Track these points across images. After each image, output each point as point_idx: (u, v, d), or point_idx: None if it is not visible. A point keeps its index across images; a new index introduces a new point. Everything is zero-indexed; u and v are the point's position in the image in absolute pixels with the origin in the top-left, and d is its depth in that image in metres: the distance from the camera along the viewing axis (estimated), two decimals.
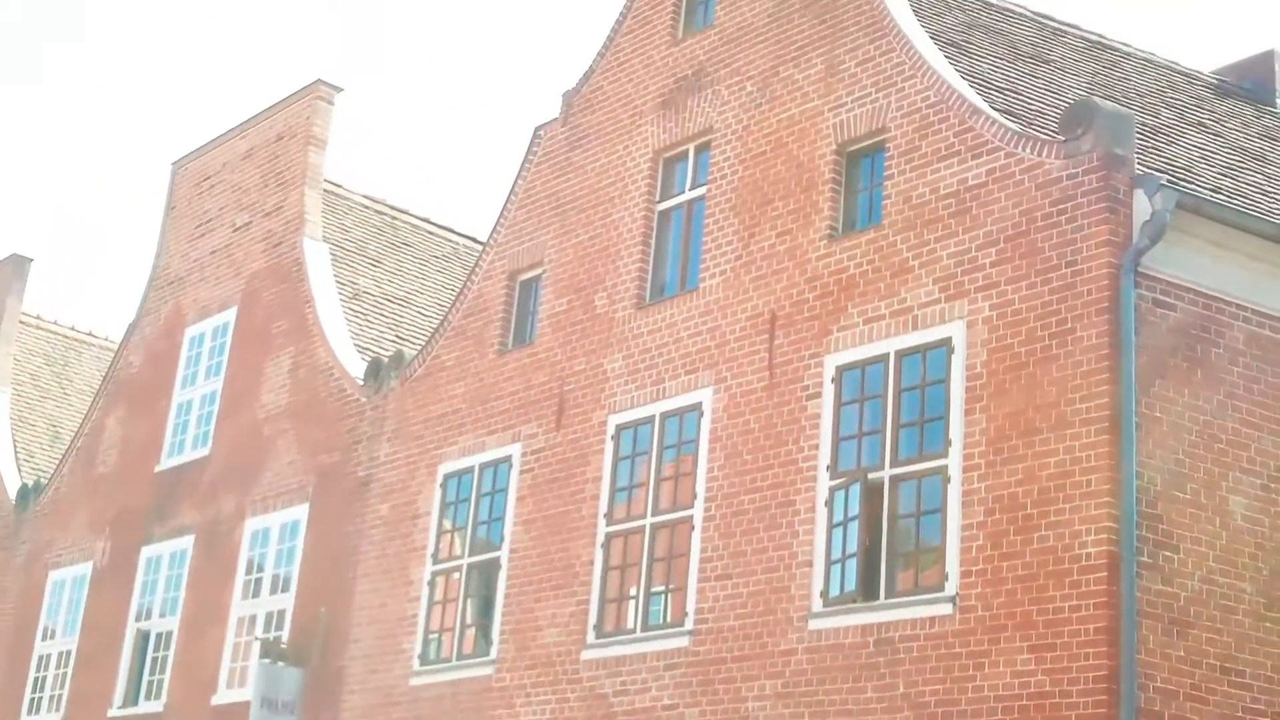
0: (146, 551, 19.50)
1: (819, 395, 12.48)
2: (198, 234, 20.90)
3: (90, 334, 27.00)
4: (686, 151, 14.63)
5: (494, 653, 14.62)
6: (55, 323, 26.54)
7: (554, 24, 45.65)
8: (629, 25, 15.62)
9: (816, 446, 12.35)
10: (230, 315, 19.70)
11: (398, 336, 18.92)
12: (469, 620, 15.22)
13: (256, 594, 17.72)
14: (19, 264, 24.53)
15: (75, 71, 47.98)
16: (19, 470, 23.01)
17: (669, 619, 13.24)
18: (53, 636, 20.77)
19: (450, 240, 21.63)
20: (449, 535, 15.70)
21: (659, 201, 14.75)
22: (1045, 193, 11.35)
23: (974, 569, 11.03)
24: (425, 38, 48.02)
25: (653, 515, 13.63)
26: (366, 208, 20.81)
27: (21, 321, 24.92)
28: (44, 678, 20.66)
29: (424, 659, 15.38)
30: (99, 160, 48.18)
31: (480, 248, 17.52)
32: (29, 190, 44.27)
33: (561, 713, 13.72)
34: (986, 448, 11.19)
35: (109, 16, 48.12)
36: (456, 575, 15.41)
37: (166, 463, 19.83)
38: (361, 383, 17.27)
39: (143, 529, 19.67)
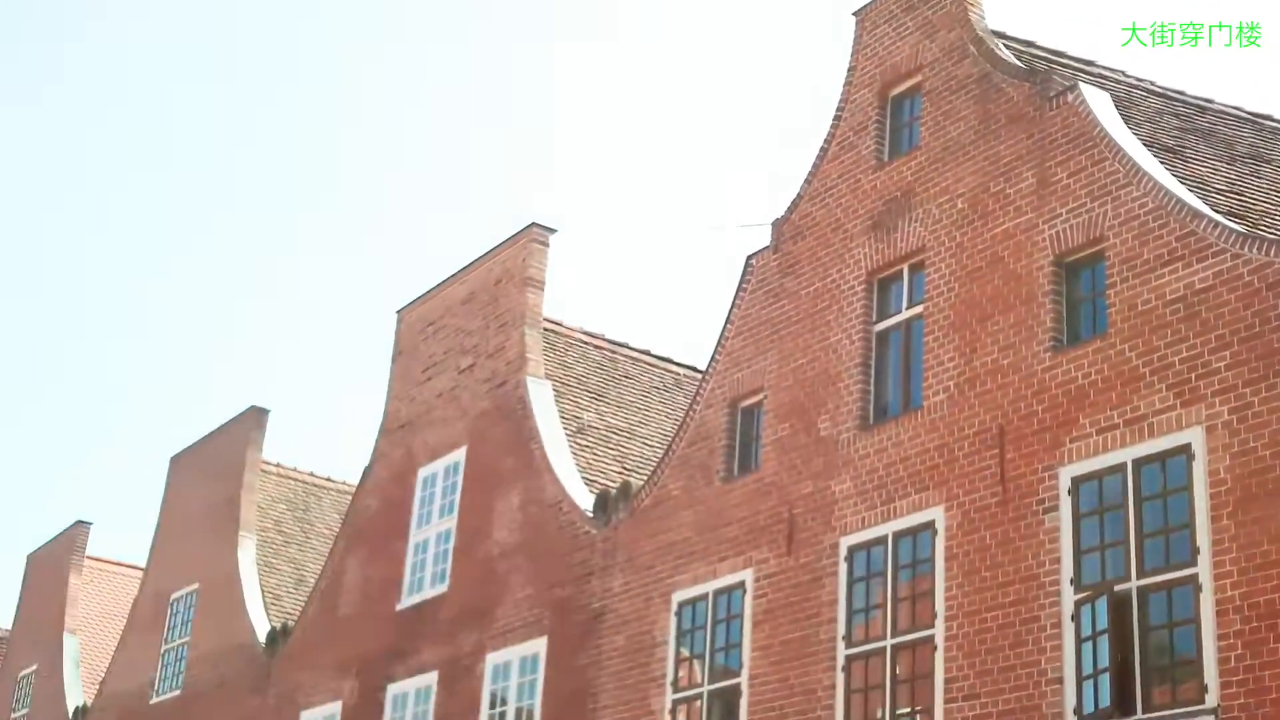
0: (392, 689, 20.00)
1: (1055, 509, 12.39)
2: (424, 378, 21.59)
3: (329, 479, 27.79)
4: (900, 271, 14.76)
5: None
6: (295, 469, 27.43)
7: (758, 154, 46.26)
8: (834, 151, 15.87)
9: (1058, 560, 12.23)
10: (460, 455, 20.25)
11: (624, 468, 19.22)
12: None
13: None
14: (258, 415, 25.70)
15: (305, 233, 50.33)
16: (267, 614, 23.85)
17: None
18: None
19: (670, 371, 21.91)
20: (687, 663, 15.83)
21: (875, 322, 14.88)
22: (1277, 292, 11.20)
23: (1234, 680, 10.77)
24: (633, 175, 49.15)
25: (892, 636, 13.60)
26: (585, 344, 21.23)
27: (263, 470, 25.99)
28: None
29: None
30: (328, 312, 50.15)
31: (700, 377, 17.76)
32: (263, 345, 46.39)
33: None
34: (1238, 554, 10.98)
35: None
36: (698, 703, 15.51)
37: (406, 601, 20.39)
38: (590, 515, 17.60)
39: (386, 667, 20.20)
